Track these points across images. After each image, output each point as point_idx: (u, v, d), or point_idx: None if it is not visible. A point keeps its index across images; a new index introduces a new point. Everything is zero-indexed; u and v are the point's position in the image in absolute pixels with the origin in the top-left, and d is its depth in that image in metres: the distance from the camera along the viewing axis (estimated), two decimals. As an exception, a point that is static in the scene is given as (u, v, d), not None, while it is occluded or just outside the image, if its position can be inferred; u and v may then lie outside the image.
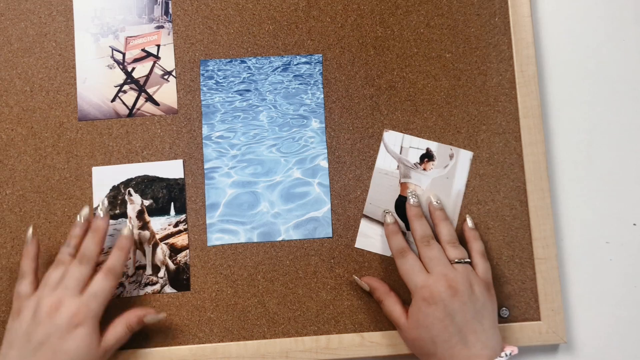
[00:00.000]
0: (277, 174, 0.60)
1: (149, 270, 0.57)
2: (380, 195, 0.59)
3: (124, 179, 0.58)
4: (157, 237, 0.57)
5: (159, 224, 0.57)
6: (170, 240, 0.56)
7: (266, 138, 0.60)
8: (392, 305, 0.55)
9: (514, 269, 0.59)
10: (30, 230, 0.55)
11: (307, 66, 0.61)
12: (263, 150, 0.60)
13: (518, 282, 0.59)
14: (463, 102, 0.60)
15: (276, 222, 0.59)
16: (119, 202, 0.57)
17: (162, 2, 0.61)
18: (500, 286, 0.59)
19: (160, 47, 0.60)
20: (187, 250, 0.56)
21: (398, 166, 0.59)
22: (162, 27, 0.61)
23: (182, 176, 0.56)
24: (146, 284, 0.57)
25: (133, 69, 0.60)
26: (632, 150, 0.63)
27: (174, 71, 0.60)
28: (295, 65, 0.61)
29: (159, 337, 0.57)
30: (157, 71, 0.60)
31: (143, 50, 0.60)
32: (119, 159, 0.59)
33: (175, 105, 0.60)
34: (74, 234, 0.54)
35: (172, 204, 0.56)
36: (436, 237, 0.56)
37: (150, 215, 0.57)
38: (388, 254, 0.59)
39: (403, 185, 0.59)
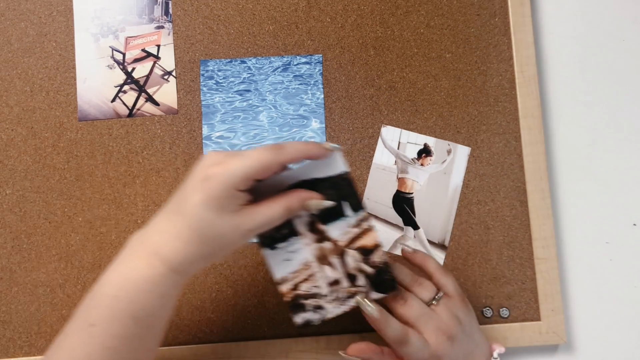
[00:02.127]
0: (277, 174, 0.60)
1: (345, 283, 0.48)
2: (378, 190, 0.59)
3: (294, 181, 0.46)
4: (341, 244, 0.47)
5: (338, 230, 0.47)
6: (358, 243, 0.47)
7: (266, 138, 0.60)
8: None
9: (514, 269, 0.59)
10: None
11: (307, 66, 0.61)
12: (263, 150, 0.60)
13: (518, 282, 0.59)
14: (463, 102, 0.60)
15: (276, 222, 0.59)
16: (282, 223, 0.45)
17: (162, 2, 0.61)
18: (500, 286, 0.59)
19: (160, 47, 0.60)
20: (381, 248, 0.46)
21: (396, 161, 0.59)
22: (162, 27, 0.61)
23: (345, 169, 0.45)
24: (348, 297, 0.48)
25: (133, 69, 0.60)
26: (632, 150, 0.63)
27: (174, 71, 0.60)
28: (296, 65, 0.61)
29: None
30: (157, 71, 0.60)
31: (143, 50, 0.60)
32: (119, 158, 0.59)
33: (175, 106, 0.60)
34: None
35: (345, 202, 0.46)
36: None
37: (325, 223, 0.47)
38: (385, 249, 0.59)
39: (401, 181, 0.59)
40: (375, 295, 0.48)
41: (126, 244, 0.44)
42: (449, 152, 0.59)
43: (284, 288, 0.47)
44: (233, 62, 0.61)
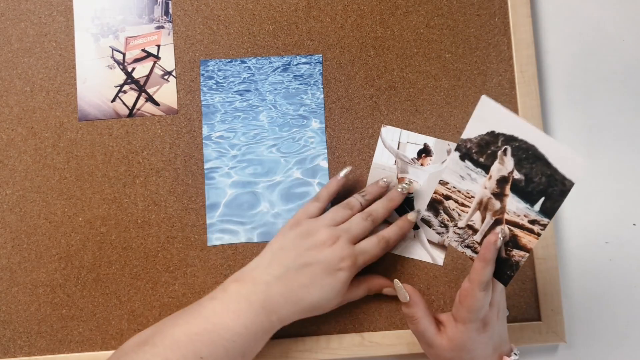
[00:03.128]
0: (277, 174, 0.60)
1: (478, 238, 0.50)
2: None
3: (507, 131, 0.45)
4: (506, 217, 0.47)
5: (515, 207, 0.46)
6: (516, 231, 0.46)
7: (266, 138, 0.60)
8: (428, 325, 0.52)
9: (514, 269, 0.59)
10: (347, 170, 0.57)
11: (307, 66, 0.61)
12: (263, 150, 0.60)
13: (518, 282, 0.59)
14: (463, 102, 0.61)
15: (276, 222, 0.59)
16: (488, 152, 0.45)
17: (162, 2, 0.61)
18: (500, 286, 0.59)
19: (161, 47, 0.60)
20: (527, 254, 0.46)
21: (395, 161, 0.59)
22: (162, 27, 0.61)
23: (576, 180, 0.42)
24: (468, 246, 0.51)
25: (133, 69, 0.60)
26: (631, 150, 0.63)
27: (174, 71, 0.60)
28: (295, 65, 0.61)
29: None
30: (157, 71, 0.60)
31: (143, 50, 0.60)
32: (119, 158, 0.59)
33: (175, 106, 0.60)
34: (372, 190, 0.56)
35: (543, 199, 0.44)
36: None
37: (512, 191, 0.46)
38: (394, 251, 0.59)
39: (400, 180, 0.59)
40: None
41: (241, 290, 0.50)
42: (448, 152, 0.59)
43: (440, 188, 0.51)
44: (233, 62, 0.61)
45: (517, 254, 0.47)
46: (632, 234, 0.62)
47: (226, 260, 0.58)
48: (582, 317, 0.60)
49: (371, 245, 0.54)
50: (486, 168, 0.46)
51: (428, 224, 0.55)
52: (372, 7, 0.61)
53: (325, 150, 0.60)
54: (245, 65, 0.61)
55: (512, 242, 0.47)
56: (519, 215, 0.45)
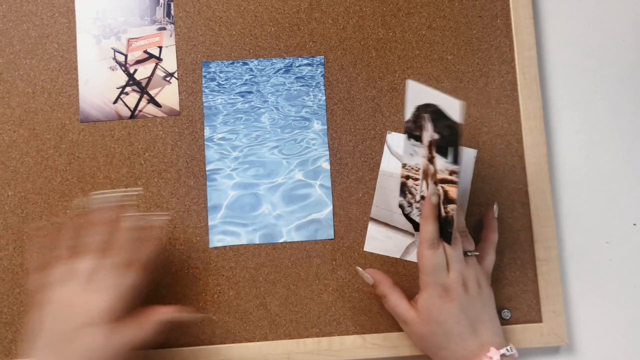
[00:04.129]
0: (278, 175, 0.60)
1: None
2: (386, 197, 0.59)
3: (424, 101, 0.49)
4: (438, 176, 0.51)
5: (440, 165, 0.50)
6: (445, 187, 0.50)
7: (268, 140, 0.60)
8: (398, 300, 0.54)
9: (516, 271, 0.59)
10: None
11: (309, 68, 0.61)
12: (265, 152, 0.60)
13: (520, 284, 0.59)
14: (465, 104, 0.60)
15: (278, 224, 0.59)
16: (419, 124, 0.51)
17: (164, 3, 0.61)
18: (501, 288, 0.59)
19: (162, 49, 0.60)
20: (455, 205, 0.50)
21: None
22: (164, 28, 0.61)
23: (460, 121, 0.46)
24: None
25: (135, 70, 0.60)
26: (632, 150, 0.63)
27: (176, 73, 0.60)
28: (297, 67, 0.61)
29: (161, 338, 0.57)
30: (159, 73, 0.60)
31: (145, 52, 0.60)
32: (121, 160, 0.59)
33: (177, 107, 0.60)
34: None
35: (450, 149, 0.48)
36: None
37: (437, 152, 0.50)
38: (397, 255, 0.59)
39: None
40: None
41: None
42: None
43: (402, 172, 0.56)
44: (235, 64, 0.61)
45: (449, 207, 0.51)
46: (632, 234, 0.62)
47: (228, 262, 0.58)
48: (583, 319, 0.60)
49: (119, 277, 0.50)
50: (420, 139, 0.52)
51: (402, 208, 0.57)
52: (374, 8, 0.61)
53: (327, 152, 0.60)
54: (247, 66, 0.61)
55: (445, 198, 0.51)
56: (443, 172, 0.50)
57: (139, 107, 0.60)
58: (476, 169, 0.60)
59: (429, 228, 0.52)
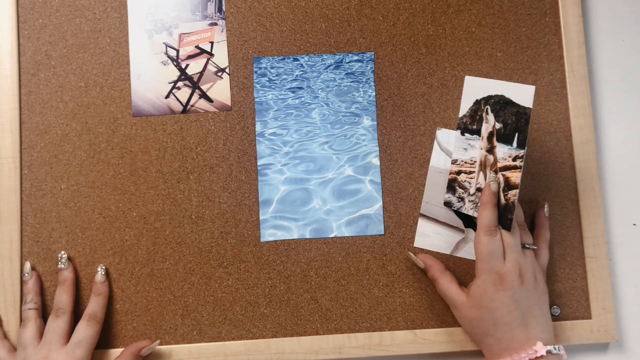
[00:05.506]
0: (329, 171, 0.60)
1: None
2: (436, 193, 0.59)
3: (485, 94, 0.52)
4: (498, 165, 0.52)
5: (502, 153, 0.52)
6: (506, 174, 0.52)
7: (318, 135, 0.60)
8: (448, 284, 0.55)
9: (565, 268, 0.59)
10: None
11: (359, 64, 0.61)
12: (315, 147, 0.60)
13: (569, 281, 0.59)
14: (514, 101, 0.61)
15: (328, 219, 0.59)
16: (477, 118, 0.53)
17: (216, -1, 0.61)
18: (551, 284, 0.59)
19: (214, 44, 0.61)
20: (517, 190, 0.51)
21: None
22: (215, 24, 0.61)
23: (531, 105, 0.49)
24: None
25: (187, 65, 0.60)
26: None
27: (228, 68, 0.60)
28: (348, 63, 0.61)
29: (213, 332, 0.58)
30: (211, 68, 0.60)
31: (197, 47, 0.61)
32: (173, 154, 0.59)
33: (228, 102, 0.60)
34: (28, 289, 0.57)
35: (517, 134, 0.50)
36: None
37: (498, 140, 0.52)
38: (447, 252, 0.59)
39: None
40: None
41: None
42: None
43: (452, 167, 0.56)
44: (286, 60, 0.61)
45: (510, 194, 0.52)
46: (632, 234, 0.62)
47: (279, 256, 0.59)
48: (633, 316, 0.61)
49: (82, 331, 0.55)
50: (479, 132, 0.53)
51: (449, 204, 0.57)
52: (424, 5, 0.62)
53: (377, 148, 0.60)
54: (298, 62, 0.61)
55: (506, 184, 0.52)
56: (505, 159, 0.52)
57: (191, 102, 0.60)
58: (526, 166, 0.60)
59: (487, 214, 0.52)
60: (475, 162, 0.54)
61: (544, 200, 0.60)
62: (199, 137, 0.60)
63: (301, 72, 0.61)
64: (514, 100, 0.49)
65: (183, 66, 0.60)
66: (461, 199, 0.56)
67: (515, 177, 0.51)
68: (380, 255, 0.59)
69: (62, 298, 0.56)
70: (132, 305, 0.58)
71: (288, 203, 0.59)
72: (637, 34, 0.64)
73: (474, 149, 0.53)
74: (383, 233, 0.59)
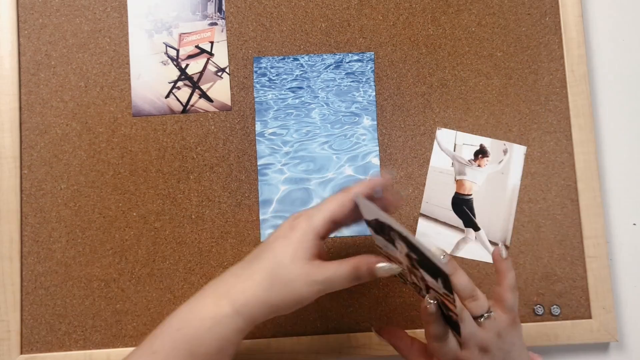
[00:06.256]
0: (329, 170, 0.60)
1: (424, 294, 0.47)
2: (436, 193, 0.59)
3: (388, 223, 0.42)
4: (430, 286, 0.44)
5: (428, 277, 0.43)
6: (442, 300, 0.44)
7: (318, 135, 0.60)
8: (418, 358, 0.50)
9: (565, 267, 0.59)
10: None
11: (359, 64, 0.61)
12: (315, 147, 0.60)
13: (569, 280, 0.59)
14: (514, 100, 0.61)
15: (328, 219, 0.59)
16: (386, 230, 0.43)
17: (216, -1, 0.61)
18: (551, 284, 0.59)
19: (214, 44, 0.61)
20: (458, 313, 0.43)
21: (452, 164, 0.60)
22: (215, 24, 0.61)
23: (449, 272, 0.41)
24: (428, 291, 0.46)
25: (187, 65, 0.60)
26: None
27: (228, 68, 0.60)
28: (347, 63, 0.61)
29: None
30: (211, 68, 0.60)
31: (196, 47, 0.61)
32: (173, 154, 0.59)
33: (228, 102, 0.60)
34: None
35: (440, 278, 0.41)
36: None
37: (419, 264, 0.43)
38: (447, 252, 0.59)
39: (459, 183, 0.59)
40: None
41: (206, 285, 0.46)
42: (505, 151, 0.60)
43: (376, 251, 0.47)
44: (286, 60, 0.61)
45: (453, 314, 0.44)
46: (632, 234, 0.62)
47: (279, 256, 0.59)
48: (633, 315, 0.61)
49: (325, 203, 0.46)
50: (393, 242, 0.44)
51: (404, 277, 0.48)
52: (424, 5, 0.62)
53: (377, 148, 0.60)
54: (298, 62, 0.61)
55: (443, 306, 0.44)
56: (435, 287, 0.43)
57: (191, 102, 0.60)
58: (525, 165, 0.60)
59: (433, 328, 0.46)
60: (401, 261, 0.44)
61: (543, 200, 0.60)
62: (198, 137, 0.60)
63: (301, 72, 0.61)
64: (427, 254, 0.40)
65: (183, 66, 0.60)
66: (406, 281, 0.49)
67: (452, 305, 0.43)
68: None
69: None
70: (132, 305, 0.58)
71: (288, 203, 0.59)
72: (637, 34, 0.64)
73: (393, 252, 0.44)
74: (383, 233, 0.59)
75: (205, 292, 0.46)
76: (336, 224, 0.46)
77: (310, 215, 0.45)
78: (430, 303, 0.45)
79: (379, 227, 0.44)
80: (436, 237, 0.59)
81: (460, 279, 0.47)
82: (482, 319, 0.47)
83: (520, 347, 0.49)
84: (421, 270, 0.42)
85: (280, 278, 0.44)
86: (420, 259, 0.41)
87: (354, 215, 0.46)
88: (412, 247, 0.41)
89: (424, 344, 0.50)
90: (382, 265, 0.45)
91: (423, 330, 0.57)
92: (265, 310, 0.44)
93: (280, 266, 0.44)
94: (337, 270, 0.44)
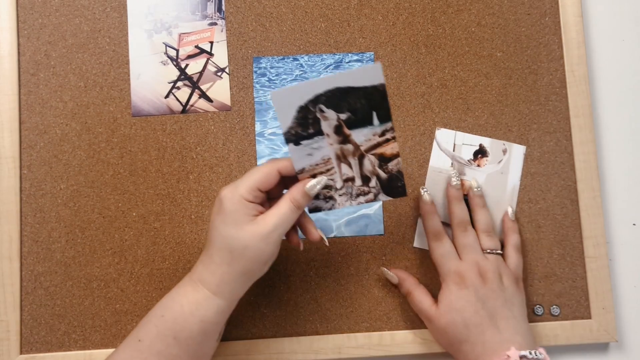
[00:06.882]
0: (328, 171, 0.60)
1: (358, 182, 0.51)
2: (436, 193, 0.59)
3: (310, 97, 0.47)
4: (362, 148, 0.50)
5: (362, 136, 0.49)
6: (378, 150, 0.50)
7: (318, 135, 0.60)
8: (422, 296, 0.55)
9: (565, 267, 0.59)
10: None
11: (359, 64, 0.61)
12: (315, 147, 0.60)
13: (569, 281, 0.59)
14: (514, 100, 0.61)
15: (328, 219, 0.59)
16: (310, 121, 0.48)
17: (216, -1, 0.61)
18: (551, 284, 0.59)
19: (214, 44, 0.61)
20: (399, 158, 0.49)
21: (452, 164, 0.60)
22: (215, 24, 0.61)
23: (383, 81, 0.46)
24: (358, 195, 0.51)
25: (186, 65, 0.60)
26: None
27: (227, 68, 0.60)
28: (347, 63, 0.61)
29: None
30: (211, 68, 0.60)
31: (196, 47, 0.61)
32: (172, 154, 0.59)
33: (228, 102, 0.60)
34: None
35: (375, 113, 0.48)
36: (472, 224, 0.57)
37: (350, 128, 0.48)
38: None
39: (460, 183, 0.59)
40: (384, 197, 0.51)
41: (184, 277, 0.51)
42: (504, 151, 0.60)
43: (302, 176, 0.50)
44: (285, 60, 0.61)
45: (391, 164, 0.50)
46: (632, 234, 0.62)
47: (279, 256, 0.58)
48: (633, 316, 0.61)
49: (250, 173, 0.49)
50: (319, 132, 0.48)
51: (318, 209, 0.52)
52: (424, 5, 0.62)
53: (377, 148, 0.60)
54: (298, 62, 0.61)
55: (381, 159, 0.50)
56: (370, 139, 0.49)
57: (191, 102, 0.60)
58: (525, 165, 0.60)
59: (429, 223, 0.55)
60: (328, 159, 0.50)
61: (543, 200, 0.60)
62: (198, 137, 0.60)
63: (301, 72, 0.61)
64: (354, 85, 0.46)
65: (183, 66, 0.60)
66: (330, 198, 0.52)
67: (391, 148, 0.49)
68: (380, 255, 0.59)
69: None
70: (131, 305, 0.58)
71: (288, 203, 0.59)
72: (637, 34, 0.64)
73: (320, 149, 0.49)
74: (383, 233, 0.59)
75: (184, 281, 0.50)
76: (261, 191, 0.48)
77: (236, 184, 0.48)
78: (425, 192, 0.55)
79: (302, 120, 0.48)
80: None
81: (485, 217, 0.56)
82: (489, 252, 0.54)
83: (520, 307, 0.53)
84: (353, 132, 0.48)
85: (236, 248, 0.46)
86: (351, 110, 0.47)
87: (279, 185, 0.50)
88: (338, 95, 0.47)
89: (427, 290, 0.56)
90: (310, 184, 0.49)
91: (423, 330, 0.58)
92: (240, 281, 0.48)
93: (229, 239, 0.47)
94: (279, 213, 0.47)
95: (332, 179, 0.51)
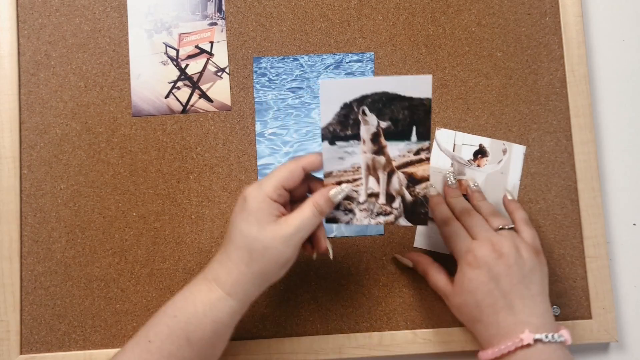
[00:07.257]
0: (329, 171, 0.60)
1: (382, 199, 0.50)
2: (436, 192, 0.59)
3: (357, 95, 0.47)
4: (394, 164, 0.48)
5: (397, 150, 0.48)
6: (409, 169, 0.48)
7: (318, 135, 0.60)
8: (437, 274, 0.54)
9: (565, 268, 0.59)
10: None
11: (359, 64, 0.61)
12: (315, 147, 0.60)
13: (569, 281, 0.59)
14: (514, 100, 0.61)
15: (328, 219, 0.59)
16: (350, 122, 0.47)
17: (216, -1, 0.61)
18: (551, 284, 0.58)
19: (214, 44, 0.61)
20: (428, 182, 0.48)
21: (452, 164, 0.60)
22: (215, 24, 0.61)
23: (429, 95, 0.45)
24: (379, 214, 0.50)
25: (187, 65, 0.60)
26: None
27: (227, 68, 0.60)
28: (347, 63, 0.61)
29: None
30: (211, 68, 0.60)
31: (196, 47, 0.61)
32: (173, 154, 0.59)
33: (228, 102, 0.60)
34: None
35: (415, 128, 0.47)
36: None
37: (388, 139, 0.48)
38: (447, 251, 0.59)
39: (458, 183, 0.59)
40: (404, 222, 0.50)
41: (197, 275, 0.49)
42: (504, 151, 0.60)
43: (328, 181, 0.49)
44: (285, 60, 0.61)
45: (418, 188, 0.49)
46: (632, 234, 0.62)
47: (279, 256, 0.59)
48: (633, 316, 0.61)
49: (275, 171, 0.48)
50: (356, 136, 0.48)
51: (335, 221, 0.51)
52: (424, 5, 0.62)
53: (377, 148, 0.60)
54: (298, 62, 0.61)
55: (410, 180, 0.49)
56: (404, 156, 0.48)
57: (191, 102, 0.60)
58: (525, 165, 0.60)
59: (437, 212, 0.55)
60: (358, 168, 0.49)
61: (543, 200, 0.60)
62: (198, 137, 0.60)
63: (301, 72, 0.61)
64: (401, 94, 0.45)
65: (183, 66, 0.60)
66: (349, 211, 0.50)
67: (423, 169, 0.48)
68: (380, 255, 0.59)
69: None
70: (131, 305, 0.58)
71: (288, 203, 0.59)
72: (637, 34, 0.64)
73: (353, 155, 0.48)
74: (383, 233, 0.59)
75: (197, 280, 0.48)
76: (287, 190, 0.47)
77: (260, 183, 0.47)
78: (432, 186, 0.56)
79: (344, 118, 0.47)
80: (436, 237, 0.59)
81: (483, 204, 0.55)
82: (501, 229, 0.52)
83: (540, 284, 0.51)
84: (389, 144, 0.47)
85: (256, 249, 0.46)
86: (392, 119, 0.46)
87: (304, 183, 0.49)
88: (384, 100, 0.46)
89: (444, 268, 0.55)
90: (334, 191, 0.48)
91: (424, 330, 0.58)
92: (256, 283, 0.47)
93: (250, 239, 0.46)
94: (301, 216, 0.46)
95: (356, 190, 0.49)
